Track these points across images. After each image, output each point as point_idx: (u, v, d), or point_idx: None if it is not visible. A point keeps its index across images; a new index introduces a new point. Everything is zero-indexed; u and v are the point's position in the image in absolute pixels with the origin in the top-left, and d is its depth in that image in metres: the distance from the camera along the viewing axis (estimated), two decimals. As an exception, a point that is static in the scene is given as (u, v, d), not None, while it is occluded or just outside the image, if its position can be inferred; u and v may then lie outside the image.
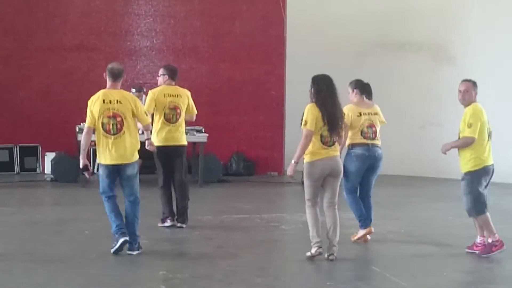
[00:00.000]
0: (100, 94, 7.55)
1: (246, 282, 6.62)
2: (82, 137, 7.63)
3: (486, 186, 7.81)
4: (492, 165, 7.81)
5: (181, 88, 9.49)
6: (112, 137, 7.47)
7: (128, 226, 7.56)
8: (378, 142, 8.43)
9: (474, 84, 7.81)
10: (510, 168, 14.04)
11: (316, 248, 7.32)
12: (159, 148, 8.89)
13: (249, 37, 15.79)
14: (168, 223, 9.08)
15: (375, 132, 8.40)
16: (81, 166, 7.58)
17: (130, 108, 7.57)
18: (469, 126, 7.59)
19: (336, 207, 7.51)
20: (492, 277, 7.01)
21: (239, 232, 9.04)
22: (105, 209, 7.59)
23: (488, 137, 7.77)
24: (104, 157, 7.50)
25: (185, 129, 13.30)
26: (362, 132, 8.31)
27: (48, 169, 14.25)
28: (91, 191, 12.62)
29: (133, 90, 12.86)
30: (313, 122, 7.27)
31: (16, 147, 14.90)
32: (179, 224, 9.10)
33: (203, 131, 13.63)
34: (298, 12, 15.71)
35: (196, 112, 9.56)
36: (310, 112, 7.31)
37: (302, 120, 7.36)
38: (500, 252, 7.61)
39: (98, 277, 6.66)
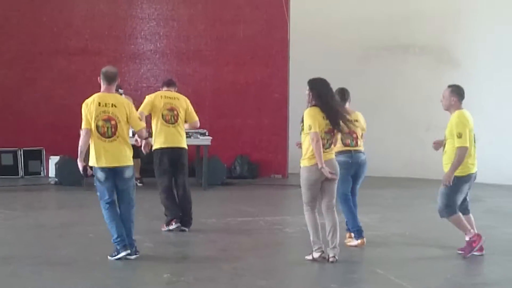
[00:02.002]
0: (95, 97, 7.55)
1: (250, 285, 6.62)
2: (80, 140, 7.51)
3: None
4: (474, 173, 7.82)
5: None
6: (107, 140, 7.48)
7: (125, 231, 7.55)
8: (359, 148, 8.43)
9: (452, 90, 7.82)
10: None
11: (319, 253, 7.33)
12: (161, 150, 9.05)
13: (253, 40, 15.81)
14: (173, 225, 9.03)
15: (356, 139, 8.38)
16: (81, 169, 7.52)
17: (125, 112, 7.56)
18: (459, 136, 7.59)
19: (334, 209, 7.52)
20: (497, 279, 7.00)
21: (243, 235, 9.04)
22: (104, 217, 7.54)
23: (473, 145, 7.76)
24: (101, 160, 7.49)
25: (189, 132, 13.44)
26: (341, 139, 8.25)
27: (52, 172, 14.29)
28: (95, 194, 12.63)
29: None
30: (316, 125, 7.28)
31: (20, 151, 14.93)
32: (182, 227, 9.11)
33: (207, 134, 13.65)
34: (302, 15, 15.73)
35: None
36: (311, 116, 7.32)
37: (303, 125, 7.39)
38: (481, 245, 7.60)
39: (102, 280, 6.68)
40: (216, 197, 12.58)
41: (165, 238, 8.76)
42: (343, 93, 8.47)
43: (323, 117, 7.33)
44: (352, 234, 8.38)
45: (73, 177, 13.20)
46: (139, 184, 12.73)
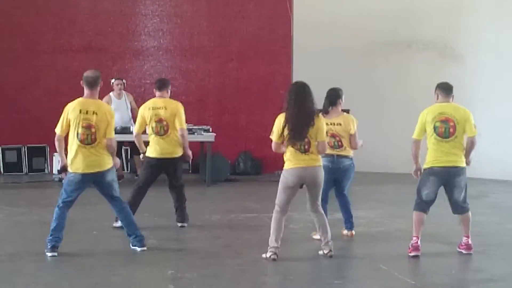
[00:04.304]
0: (76, 103, 7.55)
1: (254, 281, 6.63)
2: (56, 147, 7.65)
3: (451, 190, 7.74)
4: (445, 167, 7.67)
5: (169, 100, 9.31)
6: (87, 146, 7.49)
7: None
8: (344, 153, 8.41)
9: (436, 86, 7.95)
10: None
11: (270, 254, 7.32)
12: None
13: (256, 37, 15.79)
14: (119, 223, 8.84)
15: (340, 142, 8.37)
16: (60, 167, 7.71)
17: (106, 120, 7.53)
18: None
19: (319, 208, 7.54)
20: (501, 275, 6.99)
21: (247, 231, 9.04)
22: (54, 215, 7.60)
23: (442, 138, 7.66)
24: (77, 166, 7.52)
25: (192, 128, 13.43)
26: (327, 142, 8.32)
27: (56, 169, 14.30)
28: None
29: (112, 80, 13.07)
30: (278, 133, 7.36)
31: (24, 148, 14.95)
32: (180, 224, 9.17)
33: (211, 131, 13.65)
34: (305, 11, 15.70)
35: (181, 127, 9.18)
36: (276, 123, 7.45)
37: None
38: (411, 256, 7.57)
39: (106, 277, 6.68)
40: (220, 194, 12.57)
41: (169, 234, 8.77)
42: (334, 96, 8.47)
43: (286, 125, 7.34)
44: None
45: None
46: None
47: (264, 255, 7.35)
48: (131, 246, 7.72)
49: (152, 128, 9.04)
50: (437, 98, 7.92)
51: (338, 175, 8.42)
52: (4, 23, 15.01)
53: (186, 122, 13.98)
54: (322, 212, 7.57)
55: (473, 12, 15.23)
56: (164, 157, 9.02)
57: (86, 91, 7.63)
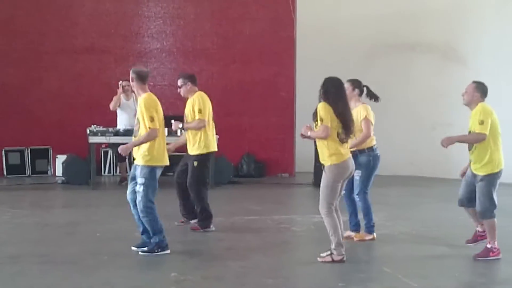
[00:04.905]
0: (155, 97, 7.59)
1: (257, 283, 6.61)
2: (148, 138, 7.41)
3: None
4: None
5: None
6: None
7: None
8: None
9: (476, 86, 7.62)
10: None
11: (341, 256, 7.31)
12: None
13: (259, 39, 15.81)
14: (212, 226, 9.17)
15: None
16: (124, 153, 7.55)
17: None
18: (481, 123, 7.39)
19: (338, 210, 7.50)
20: (504, 278, 6.97)
21: (250, 233, 9.03)
22: (153, 217, 7.57)
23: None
24: (164, 159, 7.61)
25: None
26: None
27: (59, 171, 14.31)
28: (102, 193, 12.67)
29: (120, 82, 13.02)
30: (330, 119, 7.21)
31: (27, 150, 14.95)
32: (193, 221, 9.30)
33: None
34: (308, 13, 15.72)
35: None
36: (325, 110, 7.20)
37: (316, 117, 7.28)
38: (496, 259, 7.56)
39: (109, 279, 6.67)
40: (223, 196, 12.56)
41: (172, 236, 8.73)
42: (365, 89, 8.68)
43: (336, 117, 7.25)
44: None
45: (80, 176, 13.23)
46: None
47: (326, 259, 7.30)
48: (133, 247, 7.71)
49: (212, 119, 9.16)
50: (477, 99, 7.62)
51: None
52: (6, 23, 15.03)
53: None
54: (340, 213, 7.51)
55: (475, 14, 15.23)
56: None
57: (143, 85, 7.61)
